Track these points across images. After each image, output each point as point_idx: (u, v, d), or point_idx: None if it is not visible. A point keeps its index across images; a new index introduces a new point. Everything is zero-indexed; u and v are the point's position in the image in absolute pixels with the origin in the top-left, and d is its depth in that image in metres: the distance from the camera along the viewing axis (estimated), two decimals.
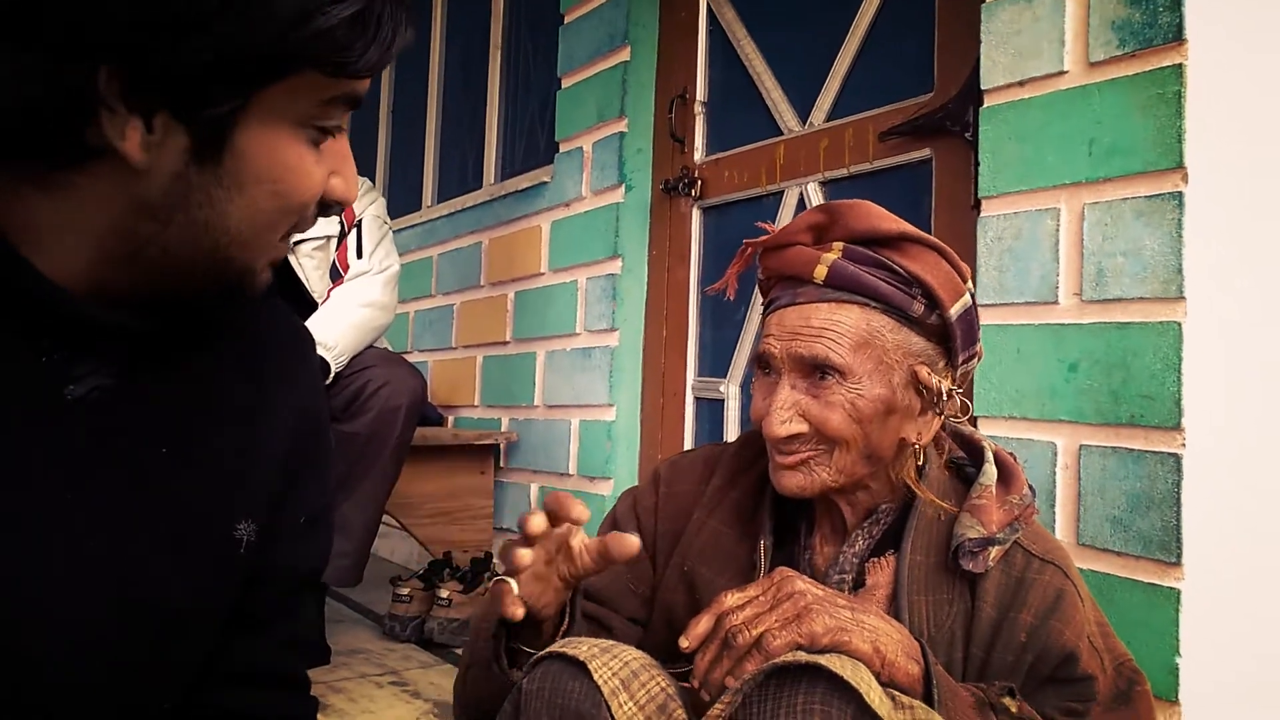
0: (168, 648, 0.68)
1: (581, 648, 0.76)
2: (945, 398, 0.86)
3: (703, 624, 0.78)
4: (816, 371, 0.86)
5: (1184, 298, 1.28)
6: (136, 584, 0.65)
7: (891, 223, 0.88)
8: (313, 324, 1.96)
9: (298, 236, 2.03)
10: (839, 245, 0.88)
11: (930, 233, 1.70)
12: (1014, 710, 0.76)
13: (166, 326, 0.65)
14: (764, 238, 0.94)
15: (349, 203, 0.65)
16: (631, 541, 0.78)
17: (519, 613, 0.77)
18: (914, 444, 0.88)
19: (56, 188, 0.58)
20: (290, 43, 0.55)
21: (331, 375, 1.96)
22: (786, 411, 0.86)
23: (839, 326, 0.85)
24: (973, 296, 0.89)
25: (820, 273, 0.86)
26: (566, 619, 0.86)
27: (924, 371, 0.86)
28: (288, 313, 0.80)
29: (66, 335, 0.62)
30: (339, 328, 2.00)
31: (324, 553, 0.81)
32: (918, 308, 0.86)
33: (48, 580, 0.61)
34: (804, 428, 0.86)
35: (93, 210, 0.59)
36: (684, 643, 0.78)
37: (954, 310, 0.86)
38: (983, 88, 1.54)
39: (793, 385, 0.87)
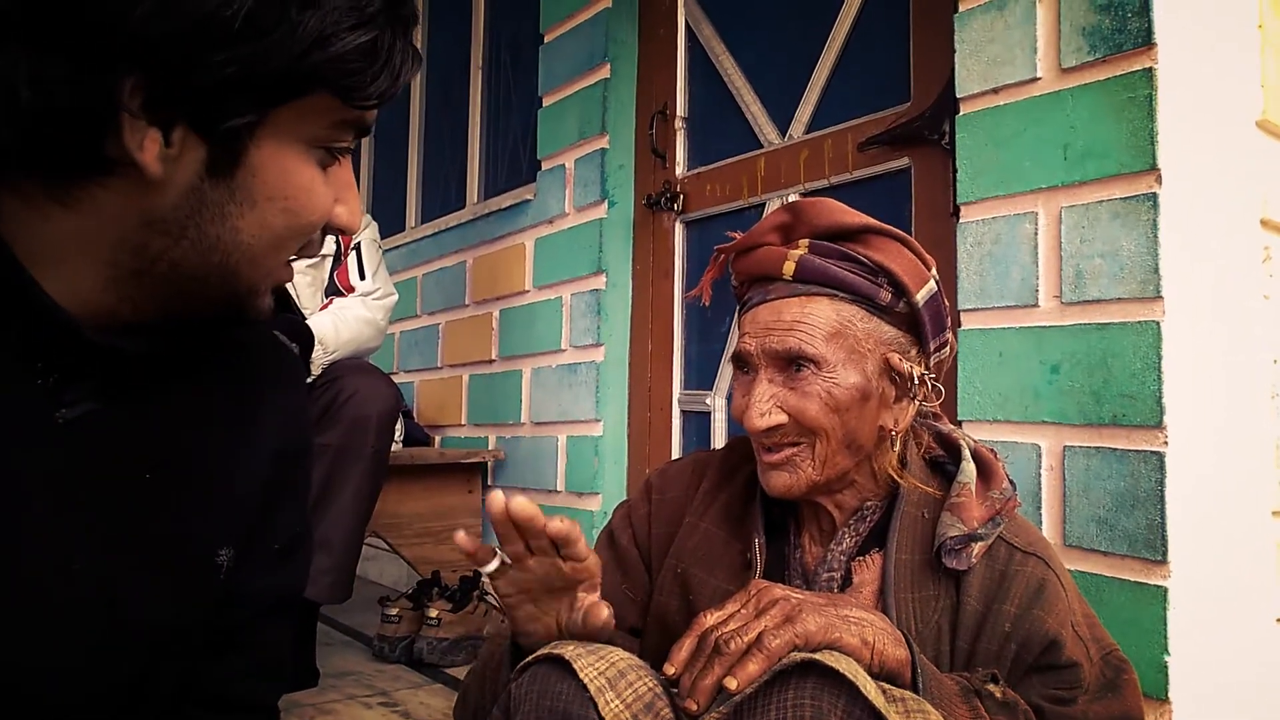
0: (150, 669, 0.68)
1: (568, 648, 0.75)
2: (917, 383, 0.89)
3: (685, 647, 0.77)
4: (792, 364, 0.88)
5: (1161, 297, 1.29)
6: (124, 606, 0.65)
7: (853, 216, 0.91)
8: (314, 322, 1.95)
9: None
10: (805, 242, 0.91)
11: None
12: (998, 695, 0.76)
13: (158, 350, 0.65)
14: (734, 242, 0.97)
15: (352, 231, 0.67)
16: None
17: (470, 544, 0.78)
18: (892, 431, 0.90)
19: (72, 201, 0.59)
20: (308, 63, 0.57)
21: (312, 375, 1.94)
22: (765, 404, 0.88)
23: (810, 319, 0.88)
24: (938, 284, 0.92)
25: (789, 268, 0.90)
26: None
27: (895, 358, 0.89)
28: (277, 341, 0.80)
29: (62, 359, 0.62)
30: (342, 335, 2.00)
31: (297, 581, 0.81)
32: (885, 295, 0.89)
33: (38, 601, 0.61)
34: (783, 419, 0.88)
35: (106, 224, 0.59)
36: (669, 669, 0.77)
37: (920, 296, 0.89)
38: (958, 96, 1.56)
39: (770, 379, 0.89)
